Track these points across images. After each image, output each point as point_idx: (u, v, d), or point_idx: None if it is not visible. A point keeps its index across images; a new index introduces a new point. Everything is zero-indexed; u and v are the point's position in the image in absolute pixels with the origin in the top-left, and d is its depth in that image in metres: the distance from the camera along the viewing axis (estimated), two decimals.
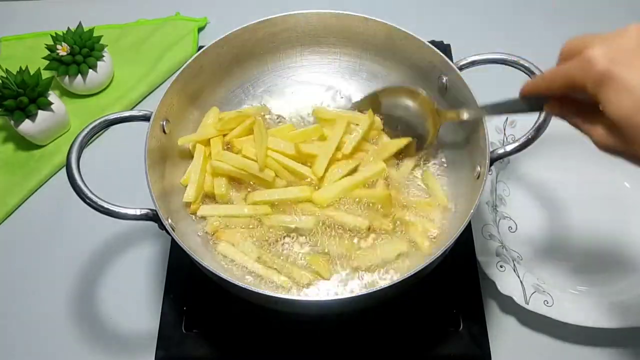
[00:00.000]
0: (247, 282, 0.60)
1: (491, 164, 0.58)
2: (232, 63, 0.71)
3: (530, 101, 0.48)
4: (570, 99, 0.44)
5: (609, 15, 0.94)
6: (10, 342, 0.67)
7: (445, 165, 0.69)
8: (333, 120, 0.68)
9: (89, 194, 0.54)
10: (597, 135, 0.42)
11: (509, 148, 0.60)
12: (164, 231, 0.55)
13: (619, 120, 0.39)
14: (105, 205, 0.54)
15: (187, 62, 0.65)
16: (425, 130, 0.67)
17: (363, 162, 0.66)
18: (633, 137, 0.39)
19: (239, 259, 0.61)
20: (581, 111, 0.44)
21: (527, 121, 0.61)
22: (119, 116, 0.60)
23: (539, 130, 0.59)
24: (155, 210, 0.55)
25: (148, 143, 0.59)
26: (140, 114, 0.61)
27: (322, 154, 0.64)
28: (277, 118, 0.74)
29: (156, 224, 0.56)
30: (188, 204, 0.65)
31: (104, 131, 0.59)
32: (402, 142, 0.67)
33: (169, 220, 0.56)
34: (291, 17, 0.70)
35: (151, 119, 0.60)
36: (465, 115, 0.61)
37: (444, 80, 0.66)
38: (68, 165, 0.55)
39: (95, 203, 0.54)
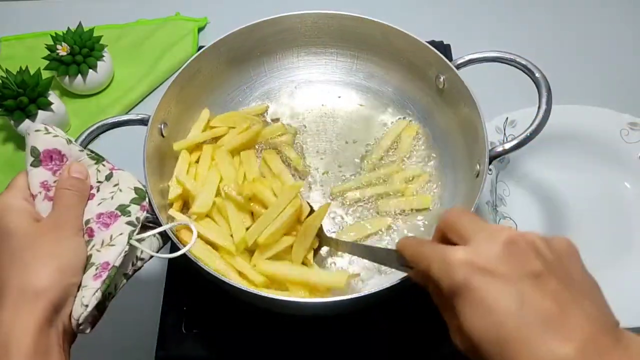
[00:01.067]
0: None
1: (490, 161, 0.58)
2: (229, 65, 0.71)
3: (402, 259, 0.44)
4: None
5: (609, 15, 0.94)
6: None
7: (444, 164, 0.69)
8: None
9: None
10: (455, 336, 0.37)
11: (507, 146, 0.60)
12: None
13: (472, 337, 0.33)
14: None
15: (183, 66, 0.65)
16: None
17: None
18: (485, 356, 0.33)
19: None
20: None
21: (527, 121, 0.61)
22: (116, 120, 0.60)
23: (537, 127, 0.59)
24: (155, 214, 0.55)
25: (146, 147, 0.59)
26: (138, 117, 0.61)
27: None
28: (273, 120, 0.74)
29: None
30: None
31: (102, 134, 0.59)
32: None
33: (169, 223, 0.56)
34: (287, 18, 0.70)
35: (149, 123, 0.60)
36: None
37: (442, 79, 0.66)
38: None
39: None
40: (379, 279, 0.62)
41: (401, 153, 0.70)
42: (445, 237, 0.39)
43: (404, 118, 0.73)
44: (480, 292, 0.33)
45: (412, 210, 0.65)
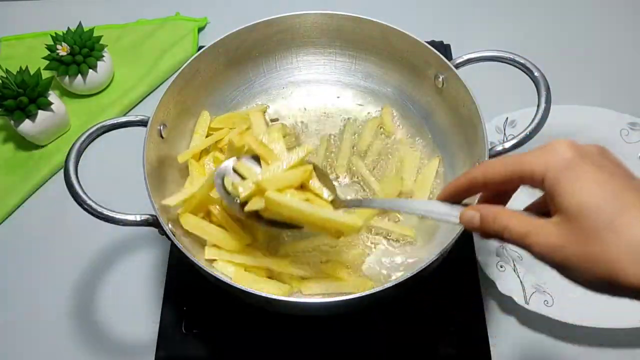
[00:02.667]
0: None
1: None
2: (228, 65, 0.72)
3: (448, 205, 0.44)
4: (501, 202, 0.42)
5: (608, 15, 0.94)
6: (10, 344, 0.67)
7: (444, 164, 0.69)
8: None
9: (88, 201, 0.54)
10: (543, 236, 0.36)
11: (507, 145, 0.60)
12: (164, 236, 0.55)
13: (584, 207, 0.34)
14: (105, 212, 0.54)
15: (182, 68, 0.65)
16: None
17: None
18: (592, 231, 0.34)
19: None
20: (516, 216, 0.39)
21: (527, 121, 0.61)
22: (116, 122, 0.60)
23: (537, 126, 0.59)
24: (156, 216, 0.55)
25: (146, 148, 0.59)
26: (138, 119, 0.61)
27: None
28: (272, 121, 0.74)
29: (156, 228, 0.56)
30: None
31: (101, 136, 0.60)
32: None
33: (169, 225, 0.56)
34: (286, 19, 0.70)
35: (148, 124, 0.60)
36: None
37: (441, 79, 0.66)
38: (66, 173, 0.55)
39: (95, 210, 0.54)
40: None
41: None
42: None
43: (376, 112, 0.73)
44: (589, 169, 0.35)
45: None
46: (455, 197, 0.44)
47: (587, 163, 0.36)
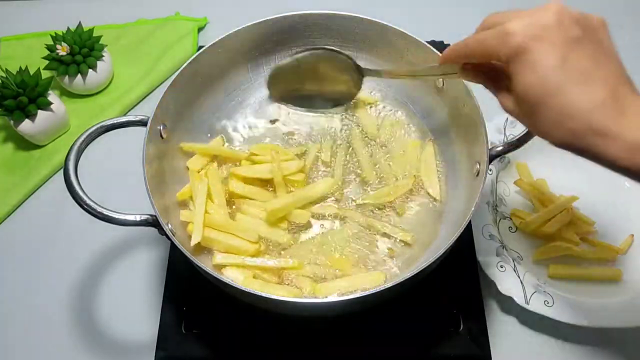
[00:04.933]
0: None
1: (490, 161, 0.58)
2: (227, 66, 0.71)
3: (446, 68, 0.51)
4: (486, 65, 0.47)
5: (608, 16, 0.93)
6: (10, 343, 0.67)
7: (443, 164, 0.69)
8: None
9: (88, 201, 0.54)
10: (505, 101, 0.45)
11: (507, 145, 0.60)
12: (164, 236, 0.55)
13: (521, 93, 0.41)
14: (105, 212, 0.54)
15: (182, 67, 0.65)
16: (348, 87, 0.65)
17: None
18: (531, 112, 0.41)
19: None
20: (494, 77, 0.47)
21: None
22: (116, 122, 0.60)
23: None
24: (155, 216, 0.55)
25: (146, 148, 0.59)
26: (137, 119, 0.61)
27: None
28: (271, 122, 0.74)
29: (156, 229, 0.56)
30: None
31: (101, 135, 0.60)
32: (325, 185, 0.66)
33: (169, 225, 0.56)
34: (286, 18, 0.70)
35: (148, 124, 0.60)
36: (384, 75, 0.62)
37: (441, 79, 0.66)
38: (66, 173, 0.55)
39: (95, 210, 0.54)
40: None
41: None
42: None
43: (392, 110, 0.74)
44: (532, 54, 0.40)
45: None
46: (452, 61, 0.50)
47: (535, 46, 0.40)
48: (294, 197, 0.64)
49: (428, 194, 0.67)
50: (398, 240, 0.64)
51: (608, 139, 0.39)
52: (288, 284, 0.60)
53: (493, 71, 0.47)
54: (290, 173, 0.66)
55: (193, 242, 0.59)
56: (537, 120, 0.41)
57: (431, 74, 0.59)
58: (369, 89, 0.75)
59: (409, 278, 0.51)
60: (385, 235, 0.64)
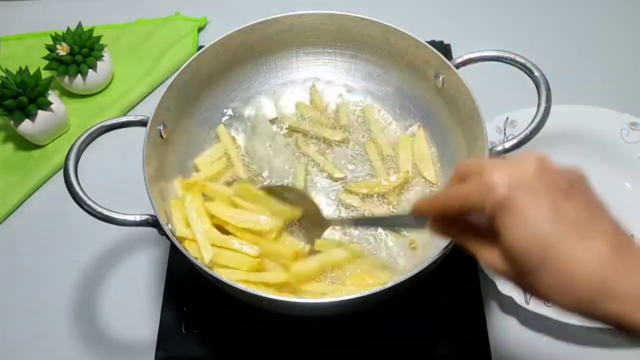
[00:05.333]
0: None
1: None
2: (227, 65, 0.71)
3: (415, 220, 0.46)
4: (462, 219, 0.43)
5: (609, 15, 0.94)
6: (10, 343, 0.67)
7: (444, 164, 0.69)
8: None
9: (88, 201, 0.54)
10: (490, 259, 0.40)
11: (507, 145, 0.60)
12: (164, 236, 0.55)
13: (514, 250, 0.37)
14: (105, 212, 0.54)
15: (182, 67, 0.65)
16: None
17: None
18: (527, 273, 0.37)
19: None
20: (474, 232, 0.42)
21: (527, 121, 0.61)
22: (115, 122, 0.60)
23: (537, 126, 0.59)
24: (155, 216, 0.55)
25: (146, 148, 0.59)
26: (137, 119, 0.61)
27: None
28: (271, 121, 0.74)
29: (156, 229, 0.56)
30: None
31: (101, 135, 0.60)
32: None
33: (169, 225, 0.56)
34: (286, 18, 0.70)
35: (148, 124, 0.60)
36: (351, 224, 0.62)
37: (441, 79, 0.66)
38: (66, 173, 0.55)
39: (95, 210, 0.54)
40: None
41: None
42: (464, 181, 0.41)
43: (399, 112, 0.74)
44: (522, 206, 0.36)
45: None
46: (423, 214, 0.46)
47: (523, 197, 0.36)
48: (319, 262, 0.60)
49: (425, 179, 0.67)
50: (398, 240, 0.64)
51: (625, 303, 0.35)
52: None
53: (470, 226, 0.42)
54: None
55: (206, 260, 0.57)
56: (536, 282, 0.37)
57: (397, 224, 0.58)
58: (368, 90, 0.75)
59: (409, 278, 0.51)
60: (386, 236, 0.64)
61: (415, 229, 0.53)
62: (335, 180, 0.69)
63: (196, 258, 0.54)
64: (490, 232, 0.39)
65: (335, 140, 0.72)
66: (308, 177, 0.69)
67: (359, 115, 0.74)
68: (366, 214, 0.65)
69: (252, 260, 0.59)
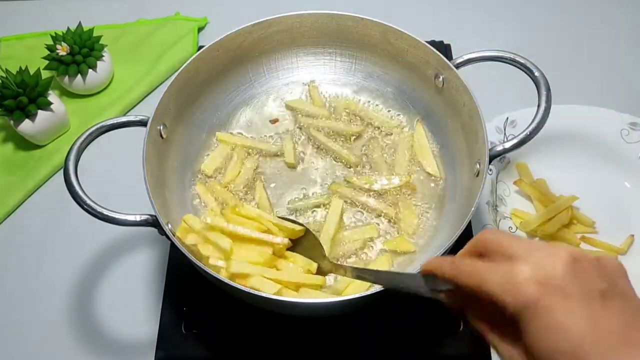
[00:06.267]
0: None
1: (490, 161, 0.58)
2: (228, 66, 0.71)
3: (431, 282, 0.42)
4: (476, 300, 0.38)
5: (609, 15, 0.94)
6: (9, 344, 0.67)
7: (444, 164, 0.69)
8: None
9: (88, 201, 0.54)
10: (509, 354, 0.36)
11: (507, 145, 0.60)
12: (164, 236, 0.55)
13: (543, 355, 0.33)
14: (105, 212, 0.54)
15: (182, 67, 0.65)
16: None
17: None
18: None
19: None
20: (490, 319, 0.38)
21: (527, 121, 0.61)
22: (116, 122, 0.60)
23: (537, 126, 0.59)
24: (155, 216, 0.55)
25: (146, 148, 0.59)
26: (137, 119, 0.61)
27: None
28: (271, 121, 0.74)
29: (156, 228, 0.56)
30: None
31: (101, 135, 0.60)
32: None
33: (169, 226, 0.56)
34: (286, 19, 0.70)
35: (148, 124, 0.60)
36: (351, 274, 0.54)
37: (441, 79, 0.66)
38: (66, 173, 0.55)
39: (95, 210, 0.54)
40: None
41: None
42: (480, 256, 0.38)
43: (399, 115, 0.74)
44: (553, 311, 0.33)
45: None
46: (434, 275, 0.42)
47: (555, 302, 0.33)
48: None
49: (427, 173, 0.68)
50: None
51: None
52: None
53: (486, 311, 0.38)
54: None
55: (226, 246, 0.54)
56: None
57: (401, 285, 0.47)
58: (368, 90, 0.75)
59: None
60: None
61: (420, 296, 0.44)
62: (352, 165, 0.69)
63: (207, 263, 0.54)
64: (508, 323, 0.35)
65: (353, 133, 0.72)
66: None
67: (359, 116, 0.74)
68: (369, 267, 0.62)
69: (268, 255, 0.56)
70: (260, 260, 0.56)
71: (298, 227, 0.59)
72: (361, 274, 0.53)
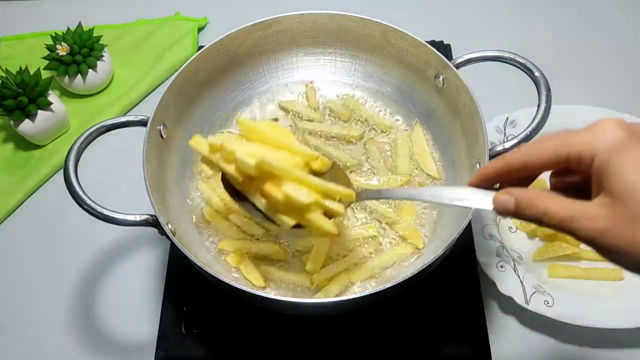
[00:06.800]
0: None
1: None
2: (228, 66, 0.71)
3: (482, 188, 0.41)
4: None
5: (609, 15, 0.94)
6: (10, 343, 0.67)
7: (444, 164, 0.69)
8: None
9: (88, 201, 0.54)
10: (590, 216, 0.34)
11: (507, 145, 0.60)
12: (164, 236, 0.55)
13: (630, 189, 0.32)
14: (105, 212, 0.54)
15: (182, 67, 0.65)
16: None
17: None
18: (635, 213, 0.32)
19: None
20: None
21: (527, 121, 0.61)
22: (116, 122, 0.60)
23: (537, 126, 0.59)
24: (155, 216, 0.55)
25: (146, 148, 0.59)
26: (137, 119, 0.61)
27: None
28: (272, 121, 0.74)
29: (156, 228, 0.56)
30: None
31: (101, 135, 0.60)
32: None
33: (169, 226, 0.56)
34: (286, 19, 0.70)
35: (148, 124, 0.60)
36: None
37: (441, 79, 0.66)
38: (66, 173, 0.55)
39: (95, 210, 0.54)
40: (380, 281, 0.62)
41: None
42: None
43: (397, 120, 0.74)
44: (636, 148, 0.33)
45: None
46: (488, 182, 0.42)
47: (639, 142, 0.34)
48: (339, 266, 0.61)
49: (427, 175, 0.68)
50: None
51: None
52: None
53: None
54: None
55: (252, 163, 0.48)
56: None
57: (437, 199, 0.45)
58: (368, 90, 0.75)
59: (409, 278, 0.51)
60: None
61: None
62: (350, 169, 0.69)
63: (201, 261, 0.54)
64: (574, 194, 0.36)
65: (352, 137, 0.71)
66: None
67: (359, 115, 0.74)
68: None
69: (300, 164, 0.51)
70: (297, 166, 0.50)
71: (326, 160, 0.53)
72: (390, 194, 0.55)
